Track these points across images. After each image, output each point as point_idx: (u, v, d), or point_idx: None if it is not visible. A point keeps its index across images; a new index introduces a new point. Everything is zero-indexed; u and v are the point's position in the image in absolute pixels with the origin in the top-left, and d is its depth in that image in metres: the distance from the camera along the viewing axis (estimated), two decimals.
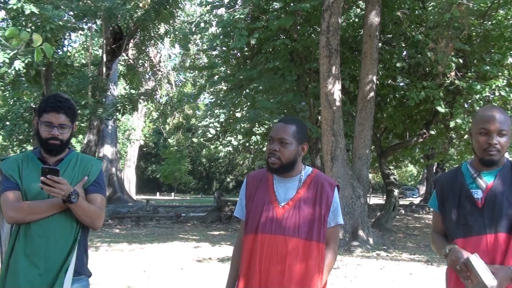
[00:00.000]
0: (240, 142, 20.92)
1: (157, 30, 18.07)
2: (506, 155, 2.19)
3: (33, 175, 2.22)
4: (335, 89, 10.40)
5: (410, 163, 26.44)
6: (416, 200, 34.10)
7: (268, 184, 2.18)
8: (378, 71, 12.24)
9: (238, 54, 15.56)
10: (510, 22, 12.06)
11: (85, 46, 21.15)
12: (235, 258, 2.28)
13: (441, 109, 12.18)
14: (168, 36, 21.92)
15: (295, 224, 2.07)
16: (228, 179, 53.80)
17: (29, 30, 10.58)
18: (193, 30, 15.19)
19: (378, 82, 12.53)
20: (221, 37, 13.95)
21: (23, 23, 10.82)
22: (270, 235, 2.07)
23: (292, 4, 12.63)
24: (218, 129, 20.25)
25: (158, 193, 46.81)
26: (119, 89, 25.02)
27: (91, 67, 15.95)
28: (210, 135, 20.88)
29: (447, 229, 2.18)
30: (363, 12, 12.14)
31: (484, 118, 2.09)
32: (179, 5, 17.17)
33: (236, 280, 2.20)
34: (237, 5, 13.82)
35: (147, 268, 7.43)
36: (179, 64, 33.05)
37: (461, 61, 12.05)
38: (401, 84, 14.83)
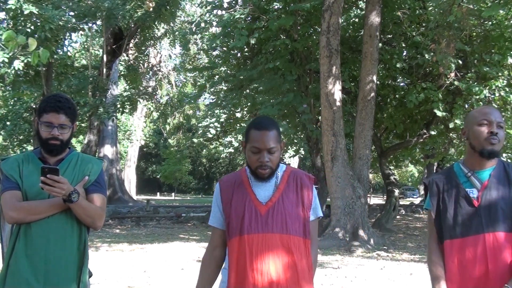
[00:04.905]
0: (239, 144, 20.89)
1: (156, 30, 18.06)
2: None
3: (33, 175, 2.21)
4: (336, 89, 10.40)
5: (410, 163, 26.42)
6: (417, 200, 34.11)
7: (245, 185, 2.12)
8: (378, 71, 12.24)
9: (238, 54, 15.55)
10: (510, 22, 12.05)
11: (86, 46, 21.15)
12: (205, 269, 2.15)
13: (439, 112, 12.16)
14: (168, 36, 21.91)
15: (281, 220, 2.03)
16: None
17: (28, 30, 10.59)
18: (194, 30, 15.19)
19: (378, 82, 12.53)
20: (221, 37, 13.94)
21: (23, 23, 10.81)
22: (257, 234, 2.02)
23: (292, 4, 12.63)
24: (219, 129, 20.24)
25: (158, 193, 46.82)
26: (119, 89, 24.99)
27: (92, 70, 15.95)
28: (210, 135, 20.87)
29: (441, 229, 2.16)
30: (363, 12, 12.14)
31: (484, 112, 2.14)
32: (179, 5, 17.17)
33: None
34: (237, 6, 13.82)
35: (147, 268, 7.44)
36: (180, 65, 33.02)
37: (460, 62, 12.05)
38: (402, 84, 14.83)
